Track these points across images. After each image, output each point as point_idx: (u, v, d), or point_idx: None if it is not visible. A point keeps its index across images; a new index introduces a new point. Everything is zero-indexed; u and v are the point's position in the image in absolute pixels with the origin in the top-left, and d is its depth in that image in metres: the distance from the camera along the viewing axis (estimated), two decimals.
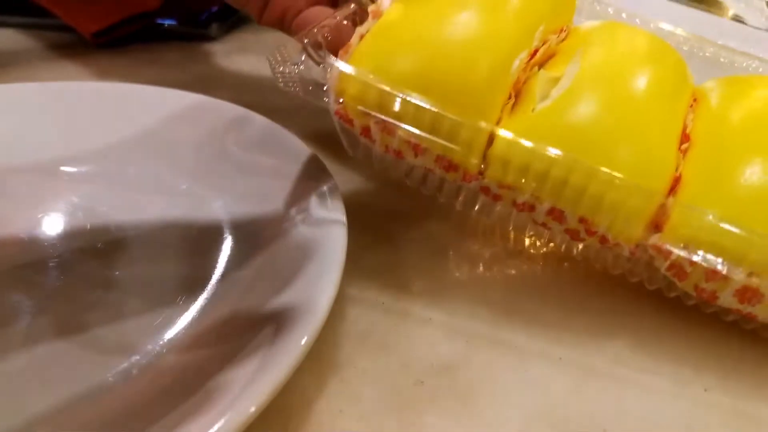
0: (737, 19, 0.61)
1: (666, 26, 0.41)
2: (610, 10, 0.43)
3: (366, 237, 0.36)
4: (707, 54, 0.41)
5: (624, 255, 0.32)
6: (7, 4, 0.63)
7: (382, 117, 0.31)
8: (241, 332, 0.30)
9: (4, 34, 0.61)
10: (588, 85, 0.32)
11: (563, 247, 0.35)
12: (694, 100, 0.35)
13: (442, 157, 0.32)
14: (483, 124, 0.31)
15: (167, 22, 0.61)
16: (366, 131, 0.33)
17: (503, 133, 0.31)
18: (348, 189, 0.35)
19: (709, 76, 0.37)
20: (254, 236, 0.36)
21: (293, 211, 0.35)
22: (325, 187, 0.35)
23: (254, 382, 0.26)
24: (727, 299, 0.31)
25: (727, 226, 0.29)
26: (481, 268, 0.37)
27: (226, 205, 0.38)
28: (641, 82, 0.33)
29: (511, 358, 0.32)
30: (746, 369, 0.33)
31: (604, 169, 0.30)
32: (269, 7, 0.42)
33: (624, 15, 0.42)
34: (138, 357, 0.30)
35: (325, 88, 0.32)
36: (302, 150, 0.39)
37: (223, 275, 0.34)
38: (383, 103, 0.31)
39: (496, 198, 0.33)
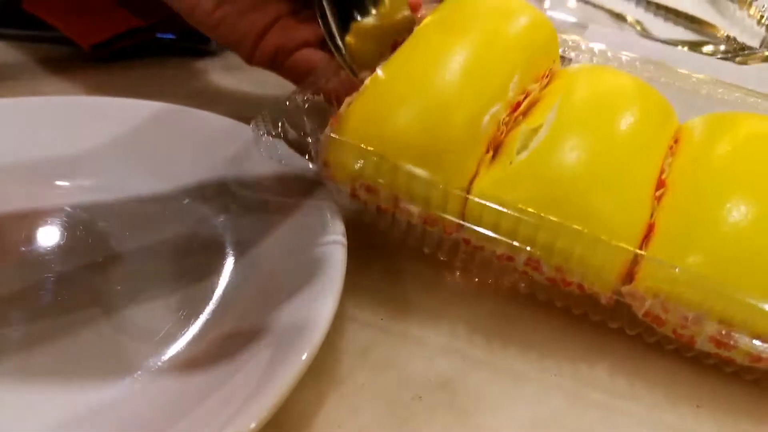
0: (730, 39, 0.62)
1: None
2: (596, 49, 0.43)
3: (365, 255, 0.36)
4: (703, 92, 0.41)
5: (601, 302, 0.33)
6: (3, 16, 0.62)
7: (364, 182, 0.34)
8: (241, 348, 0.30)
9: (0, 46, 0.61)
10: (563, 134, 0.33)
11: (545, 293, 0.35)
12: (675, 141, 0.35)
13: (421, 214, 0.34)
14: (450, 188, 0.32)
15: (166, 37, 0.61)
16: (354, 193, 0.35)
17: (471, 197, 0.32)
18: (347, 207, 0.36)
19: (697, 113, 0.37)
20: (255, 253, 0.36)
21: (292, 226, 0.36)
22: (324, 205, 0.36)
23: (254, 397, 0.26)
24: (704, 344, 0.31)
25: (694, 278, 0.29)
26: (479, 287, 0.37)
27: (227, 220, 0.39)
28: (618, 129, 0.33)
29: (506, 374, 0.33)
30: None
31: (571, 225, 0.30)
32: (260, 48, 0.42)
33: (609, 54, 0.43)
34: (140, 372, 0.30)
35: (308, 157, 0.34)
36: (302, 167, 0.39)
37: (225, 291, 0.34)
38: (364, 169, 0.33)
39: (477, 249, 0.34)
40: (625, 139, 0.33)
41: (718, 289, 0.29)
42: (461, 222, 0.33)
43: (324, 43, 0.40)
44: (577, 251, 0.31)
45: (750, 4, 0.62)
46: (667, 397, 0.32)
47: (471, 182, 0.33)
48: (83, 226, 0.39)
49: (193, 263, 0.36)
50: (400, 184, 0.33)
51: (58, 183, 0.41)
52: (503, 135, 0.34)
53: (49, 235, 0.38)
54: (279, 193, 0.38)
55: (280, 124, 0.34)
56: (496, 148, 0.34)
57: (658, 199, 0.33)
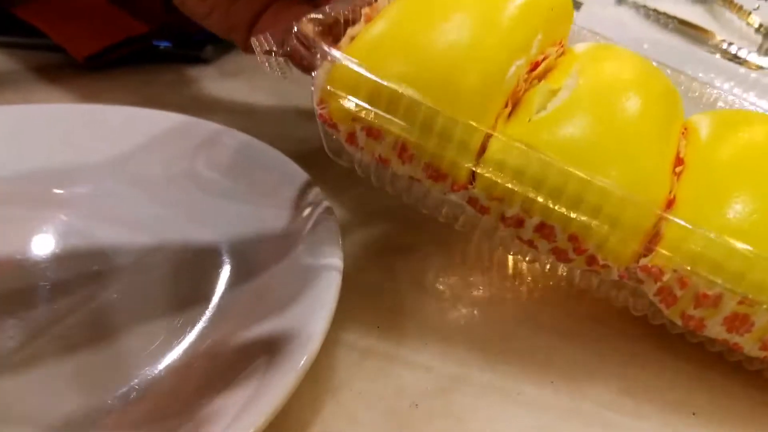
0: (725, 45, 0.62)
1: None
2: (597, 38, 0.43)
3: (362, 260, 0.36)
4: (695, 93, 0.41)
5: (610, 279, 0.32)
6: None
7: (371, 118, 0.31)
8: (238, 356, 0.30)
9: None
10: (586, 99, 0.32)
11: (547, 268, 0.34)
12: (685, 128, 0.36)
13: (430, 164, 0.32)
14: (477, 125, 0.30)
15: (162, 44, 0.61)
16: (351, 137, 0.32)
17: (499, 136, 0.30)
18: (343, 212, 0.36)
19: (691, 113, 0.37)
20: (251, 260, 0.36)
21: (289, 234, 0.36)
22: (320, 210, 0.35)
23: (251, 406, 0.26)
24: (714, 328, 0.31)
25: (728, 243, 0.28)
26: (475, 293, 0.37)
27: (222, 228, 0.38)
28: (638, 102, 0.33)
29: (504, 381, 0.32)
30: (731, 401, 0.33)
31: (601, 181, 0.29)
32: (254, 34, 0.41)
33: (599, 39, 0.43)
34: (137, 380, 0.30)
35: (312, 87, 0.31)
36: (297, 173, 0.39)
37: (221, 300, 0.34)
38: (374, 98, 0.30)
39: (483, 210, 0.32)
40: (645, 112, 0.32)
41: (756, 259, 0.28)
42: (477, 170, 0.31)
43: None
44: (605, 210, 0.30)
45: (748, 14, 0.62)
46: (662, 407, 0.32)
47: (487, 136, 0.31)
48: (79, 233, 0.38)
49: (190, 271, 0.36)
50: (415, 121, 0.30)
51: (54, 191, 0.41)
52: (521, 92, 0.33)
53: (45, 243, 0.38)
54: (273, 200, 0.38)
55: (289, 41, 0.31)
56: (514, 104, 0.33)
57: (678, 175, 0.32)
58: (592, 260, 0.32)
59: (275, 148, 0.41)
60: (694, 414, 0.32)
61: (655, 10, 0.66)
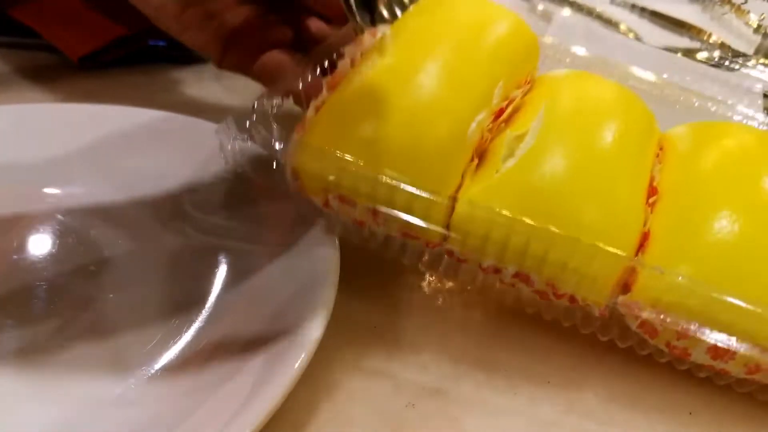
0: (724, 46, 0.62)
1: (637, 71, 0.41)
2: (578, 51, 0.43)
3: (358, 260, 0.36)
4: (681, 99, 0.41)
5: (594, 314, 0.32)
6: None
7: (340, 191, 0.31)
8: (234, 356, 0.30)
9: None
10: (551, 142, 0.32)
11: (533, 307, 0.34)
12: (660, 148, 0.35)
13: (402, 228, 0.32)
14: (436, 197, 0.30)
15: (158, 44, 0.61)
16: (326, 204, 0.33)
17: (462, 201, 0.31)
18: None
19: (678, 122, 0.37)
20: (247, 261, 0.36)
21: (285, 235, 0.36)
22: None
23: (247, 406, 0.26)
24: (699, 356, 0.31)
25: (699, 288, 0.28)
26: (471, 293, 0.37)
27: (219, 229, 0.38)
28: (606, 136, 0.33)
29: (499, 381, 0.32)
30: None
31: (565, 234, 0.29)
32: (229, 51, 0.41)
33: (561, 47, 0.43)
34: (132, 380, 0.30)
35: (276, 166, 0.32)
36: (270, 177, 0.39)
37: (217, 299, 0.34)
38: (340, 173, 0.31)
39: (461, 261, 0.33)
40: (613, 146, 0.32)
41: (722, 297, 0.28)
42: (446, 232, 0.31)
43: (294, 46, 0.40)
44: (572, 261, 0.30)
45: (746, 13, 0.62)
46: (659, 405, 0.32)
47: (456, 192, 0.32)
48: (75, 233, 0.38)
49: (186, 271, 0.36)
50: (379, 194, 0.31)
51: (49, 191, 0.41)
52: (487, 142, 0.33)
53: (40, 243, 0.37)
54: (270, 202, 0.38)
55: (246, 129, 0.31)
56: (480, 156, 0.33)
57: (651, 206, 0.32)
58: (573, 300, 0.32)
59: None
60: (690, 414, 0.32)
61: (651, 12, 0.66)
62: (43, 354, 0.31)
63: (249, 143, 0.31)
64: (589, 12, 0.67)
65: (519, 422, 0.31)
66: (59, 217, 0.39)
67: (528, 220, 0.29)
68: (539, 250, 0.30)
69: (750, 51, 0.61)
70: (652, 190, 0.33)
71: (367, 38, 0.36)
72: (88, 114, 0.44)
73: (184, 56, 0.61)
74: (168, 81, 0.58)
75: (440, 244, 0.32)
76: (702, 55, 0.61)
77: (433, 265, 0.34)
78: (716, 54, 0.61)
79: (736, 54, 0.61)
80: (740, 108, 0.40)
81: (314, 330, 0.29)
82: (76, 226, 0.39)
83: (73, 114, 0.44)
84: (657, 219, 0.31)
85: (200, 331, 0.32)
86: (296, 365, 0.27)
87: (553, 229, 0.29)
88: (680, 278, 0.29)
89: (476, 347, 0.34)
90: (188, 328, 0.33)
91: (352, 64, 0.35)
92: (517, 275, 0.31)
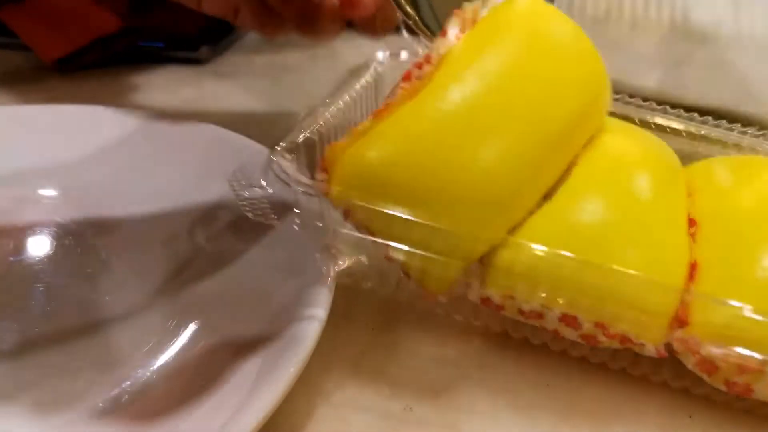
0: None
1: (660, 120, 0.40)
2: None
3: (356, 264, 0.36)
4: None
5: (646, 354, 0.30)
6: None
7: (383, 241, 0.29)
8: (230, 360, 0.30)
9: None
10: (589, 182, 0.31)
11: (579, 351, 0.32)
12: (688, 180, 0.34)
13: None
14: (474, 239, 0.29)
15: (155, 45, 0.61)
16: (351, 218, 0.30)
17: (509, 239, 0.29)
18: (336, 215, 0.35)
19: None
20: (244, 264, 0.35)
21: (283, 241, 0.35)
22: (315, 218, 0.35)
23: (243, 409, 0.26)
24: (763, 391, 0.29)
25: (759, 317, 0.27)
26: (471, 296, 0.37)
27: (216, 231, 0.38)
28: (641, 176, 0.32)
29: (499, 384, 0.32)
30: None
31: (620, 268, 0.28)
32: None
33: None
34: (129, 383, 0.30)
35: (298, 212, 0.30)
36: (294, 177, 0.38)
37: (213, 303, 0.34)
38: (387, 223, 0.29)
39: (499, 308, 0.31)
40: (649, 183, 0.32)
41: None
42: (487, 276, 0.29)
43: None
44: (628, 296, 0.28)
45: None
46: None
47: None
48: (72, 236, 0.38)
49: (183, 274, 0.36)
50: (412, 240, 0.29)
51: (46, 192, 0.41)
52: None
53: (37, 246, 0.37)
54: (271, 207, 0.38)
55: (262, 176, 0.30)
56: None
57: (693, 236, 0.31)
58: (625, 339, 0.30)
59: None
60: (690, 417, 0.31)
61: None
62: (38, 356, 0.31)
63: (269, 190, 0.30)
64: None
65: (520, 426, 0.30)
66: (57, 219, 0.39)
67: (576, 256, 0.28)
68: (593, 286, 0.28)
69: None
70: (690, 221, 0.32)
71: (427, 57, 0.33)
72: (86, 115, 0.44)
73: (182, 58, 0.61)
74: (167, 82, 0.58)
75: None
76: None
77: (460, 308, 0.33)
78: None
79: None
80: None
81: (311, 333, 0.28)
82: (73, 228, 0.39)
83: (71, 115, 0.44)
84: (702, 249, 0.30)
85: (197, 333, 0.32)
86: (293, 368, 0.27)
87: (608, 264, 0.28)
88: (742, 309, 0.27)
89: (476, 351, 0.34)
90: (184, 330, 0.32)
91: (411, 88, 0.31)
92: (562, 319, 0.30)
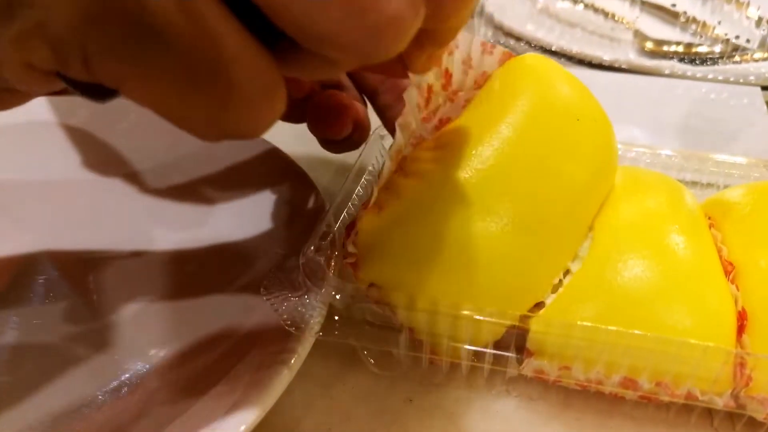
0: (725, 40, 0.61)
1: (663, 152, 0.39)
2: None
3: None
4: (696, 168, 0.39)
5: (713, 407, 0.29)
6: None
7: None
8: (229, 351, 0.30)
9: None
10: (618, 243, 0.30)
11: (640, 410, 0.31)
12: (708, 217, 0.34)
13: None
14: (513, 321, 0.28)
15: None
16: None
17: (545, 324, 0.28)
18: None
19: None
20: (244, 257, 0.35)
21: (283, 229, 0.35)
22: (311, 203, 0.35)
23: (242, 401, 0.26)
24: None
25: None
26: None
27: (216, 223, 0.38)
28: (669, 228, 0.31)
29: (497, 379, 0.32)
30: None
31: (675, 338, 0.27)
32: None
33: None
34: (128, 375, 0.30)
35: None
36: (295, 170, 0.38)
37: (213, 297, 0.34)
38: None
39: (556, 382, 0.30)
40: (679, 236, 0.31)
41: None
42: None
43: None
44: (684, 361, 0.27)
45: (747, 5, 0.62)
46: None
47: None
48: (73, 226, 0.38)
49: (184, 266, 0.36)
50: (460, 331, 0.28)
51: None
52: None
53: (40, 239, 0.37)
54: (273, 200, 0.38)
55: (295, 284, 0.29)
56: None
57: (733, 281, 0.31)
58: (690, 396, 0.28)
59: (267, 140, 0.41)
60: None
61: (652, 5, 0.66)
62: (37, 348, 0.31)
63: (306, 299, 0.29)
64: (587, 4, 0.67)
65: (517, 418, 0.30)
66: (51, 222, 0.39)
67: (626, 330, 0.27)
68: (650, 354, 0.27)
69: (753, 45, 0.61)
70: (727, 264, 0.31)
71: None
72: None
73: None
74: None
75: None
76: (702, 49, 0.61)
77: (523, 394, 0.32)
78: (717, 48, 0.61)
79: (736, 48, 0.61)
80: None
81: (311, 325, 0.28)
82: (74, 219, 0.38)
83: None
84: (748, 295, 0.30)
85: (197, 325, 0.32)
86: (293, 360, 0.27)
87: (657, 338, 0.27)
88: None
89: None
90: (184, 324, 0.32)
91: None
92: (621, 384, 0.29)
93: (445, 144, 0.30)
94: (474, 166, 0.29)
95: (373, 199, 0.29)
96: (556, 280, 0.30)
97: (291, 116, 0.35)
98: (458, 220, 0.28)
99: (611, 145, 0.33)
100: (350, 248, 0.29)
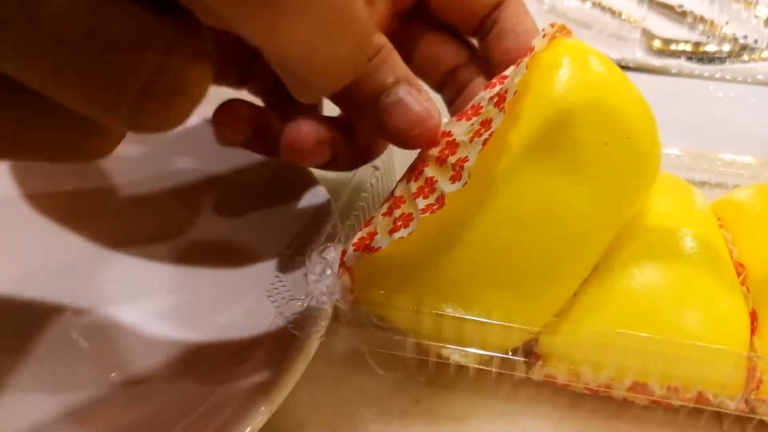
0: (733, 39, 0.61)
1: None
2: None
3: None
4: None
5: (725, 411, 0.28)
6: None
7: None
8: (235, 352, 0.30)
9: None
10: (635, 248, 0.30)
11: (651, 416, 0.31)
12: (718, 218, 0.34)
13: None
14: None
15: None
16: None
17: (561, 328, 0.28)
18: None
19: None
20: (249, 258, 0.35)
21: (289, 230, 0.35)
22: (317, 202, 0.35)
23: (249, 403, 0.26)
24: None
25: None
26: None
27: (217, 228, 0.38)
28: (683, 232, 0.30)
29: (506, 382, 0.32)
30: None
31: (690, 342, 0.27)
32: None
33: None
34: (131, 377, 0.30)
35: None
36: (300, 169, 0.38)
37: (219, 297, 0.34)
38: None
39: (565, 386, 0.30)
40: (692, 243, 0.30)
41: None
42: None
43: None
44: (697, 364, 0.27)
45: (755, 4, 0.61)
46: None
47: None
48: (77, 224, 0.38)
49: (187, 268, 0.35)
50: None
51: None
52: None
53: (44, 238, 0.37)
54: (277, 198, 0.37)
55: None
56: None
57: (744, 282, 0.30)
58: (702, 400, 0.28)
59: None
60: None
61: (661, 4, 0.66)
62: (45, 344, 0.31)
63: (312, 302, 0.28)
64: (594, 3, 0.67)
65: (525, 421, 0.30)
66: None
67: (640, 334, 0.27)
68: (661, 358, 0.27)
69: (761, 44, 0.61)
70: (738, 266, 0.31)
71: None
72: None
73: None
74: None
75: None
76: (711, 48, 0.61)
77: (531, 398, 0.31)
78: (725, 47, 0.61)
79: (744, 47, 0.61)
80: None
81: (316, 328, 0.28)
82: (80, 215, 0.38)
83: None
84: (758, 297, 0.30)
85: (204, 326, 0.32)
86: (299, 360, 0.27)
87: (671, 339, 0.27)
88: None
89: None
90: (190, 325, 0.32)
91: None
92: (632, 388, 0.28)
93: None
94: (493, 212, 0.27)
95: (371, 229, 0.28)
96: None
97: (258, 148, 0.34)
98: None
99: (657, 145, 0.29)
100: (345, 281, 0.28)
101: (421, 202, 0.26)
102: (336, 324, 0.28)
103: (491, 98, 0.26)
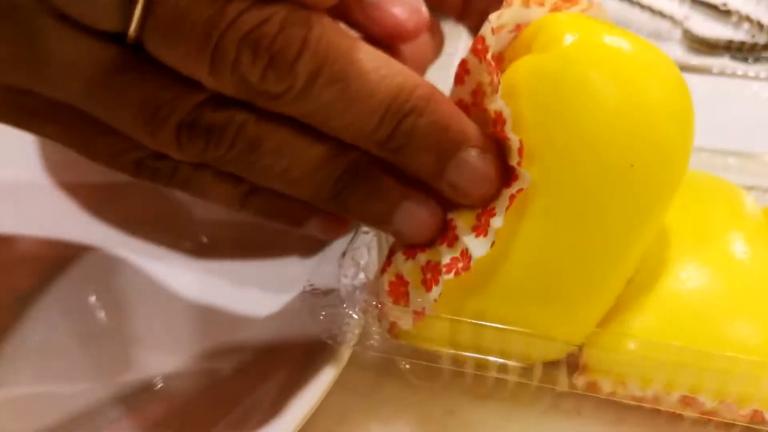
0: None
1: None
2: None
3: None
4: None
5: None
6: None
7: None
8: (263, 361, 0.29)
9: None
10: (681, 253, 0.29)
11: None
12: None
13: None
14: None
15: None
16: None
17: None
18: None
19: None
20: (281, 265, 0.35)
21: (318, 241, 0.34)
22: None
23: (278, 412, 0.25)
24: None
25: None
26: None
27: (245, 231, 0.37)
28: (731, 235, 0.29)
29: (544, 393, 0.30)
30: None
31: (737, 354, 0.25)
32: None
33: None
34: (160, 386, 0.29)
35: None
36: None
37: (245, 306, 0.33)
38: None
39: (608, 399, 0.28)
40: (742, 247, 0.29)
41: None
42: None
43: None
44: (749, 379, 0.26)
45: None
46: None
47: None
48: (92, 229, 0.37)
49: (219, 274, 0.35)
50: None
51: None
52: None
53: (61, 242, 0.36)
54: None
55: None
56: None
57: None
58: (757, 417, 0.27)
59: None
60: None
61: (702, 2, 0.65)
62: (66, 346, 0.31)
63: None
64: (633, 2, 0.66)
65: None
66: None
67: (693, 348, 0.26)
68: (714, 371, 0.26)
69: None
70: None
71: None
72: None
73: None
74: None
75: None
76: (756, 47, 0.60)
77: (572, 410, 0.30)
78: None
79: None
80: None
81: (349, 337, 0.27)
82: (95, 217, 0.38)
83: None
84: None
85: (231, 334, 0.31)
86: (330, 369, 0.26)
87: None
88: None
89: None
90: (215, 333, 0.32)
91: None
92: (681, 401, 0.27)
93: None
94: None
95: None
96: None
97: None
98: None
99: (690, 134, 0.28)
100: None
101: (445, 253, 0.26)
102: (368, 333, 0.28)
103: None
